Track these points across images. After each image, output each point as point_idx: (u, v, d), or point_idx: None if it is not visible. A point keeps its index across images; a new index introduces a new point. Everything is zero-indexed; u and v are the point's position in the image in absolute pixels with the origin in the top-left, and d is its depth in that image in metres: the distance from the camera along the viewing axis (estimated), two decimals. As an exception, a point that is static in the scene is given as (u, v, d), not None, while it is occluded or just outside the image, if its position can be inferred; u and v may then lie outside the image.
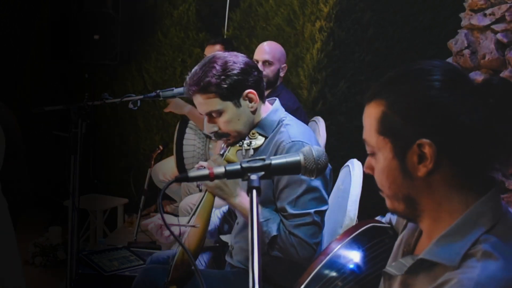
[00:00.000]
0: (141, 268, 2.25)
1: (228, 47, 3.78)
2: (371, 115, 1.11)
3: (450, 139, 1.02)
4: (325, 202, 1.85)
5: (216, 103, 1.85)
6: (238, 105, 1.87)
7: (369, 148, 1.13)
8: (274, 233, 1.80)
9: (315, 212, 1.80)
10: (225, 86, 1.83)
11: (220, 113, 1.87)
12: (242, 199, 1.84)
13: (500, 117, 1.01)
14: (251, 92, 1.87)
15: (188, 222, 1.91)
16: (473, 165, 1.04)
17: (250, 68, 1.89)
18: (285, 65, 3.39)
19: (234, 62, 1.86)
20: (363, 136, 1.14)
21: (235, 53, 1.94)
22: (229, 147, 1.90)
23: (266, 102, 1.98)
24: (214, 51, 3.78)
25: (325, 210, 1.86)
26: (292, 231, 1.79)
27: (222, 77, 1.83)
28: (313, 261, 1.42)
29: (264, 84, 1.97)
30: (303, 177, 1.77)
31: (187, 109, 3.65)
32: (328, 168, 1.88)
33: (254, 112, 1.91)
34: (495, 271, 0.95)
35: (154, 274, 2.00)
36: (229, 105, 1.86)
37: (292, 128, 1.90)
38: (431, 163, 1.03)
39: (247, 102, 1.88)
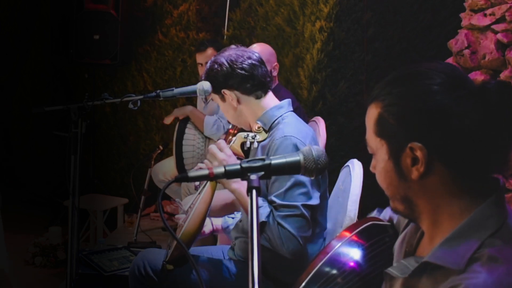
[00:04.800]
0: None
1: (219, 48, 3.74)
2: (370, 117, 1.12)
3: (443, 143, 1.02)
4: (312, 198, 1.87)
5: None
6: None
7: (369, 149, 1.15)
8: (263, 218, 1.82)
9: (303, 205, 1.83)
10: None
11: None
12: (240, 184, 1.85)
13: (495, 121, 1.00)
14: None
15: (189, 208, 2.00)
16: (470, 169, 1.04)
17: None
18: (276, 64, 3.33)
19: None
20: (366, 136, 1.15)
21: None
22: (235, 138, 1.92)
23: (274, 98, 2.07)
24: (207, 56, 3.76)
25: (315, 206, 1.87)
26: (280, 221, 1.81)
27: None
28: (312, 259, 1.42)
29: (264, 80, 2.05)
30: None
31: (189, 109, 3.64)
32: None
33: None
34: (500, 276, 0.94)
35: (152, 255, 2.05)
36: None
37: (289, 125, 1.94)
38: (422, 166, 1.04)
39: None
